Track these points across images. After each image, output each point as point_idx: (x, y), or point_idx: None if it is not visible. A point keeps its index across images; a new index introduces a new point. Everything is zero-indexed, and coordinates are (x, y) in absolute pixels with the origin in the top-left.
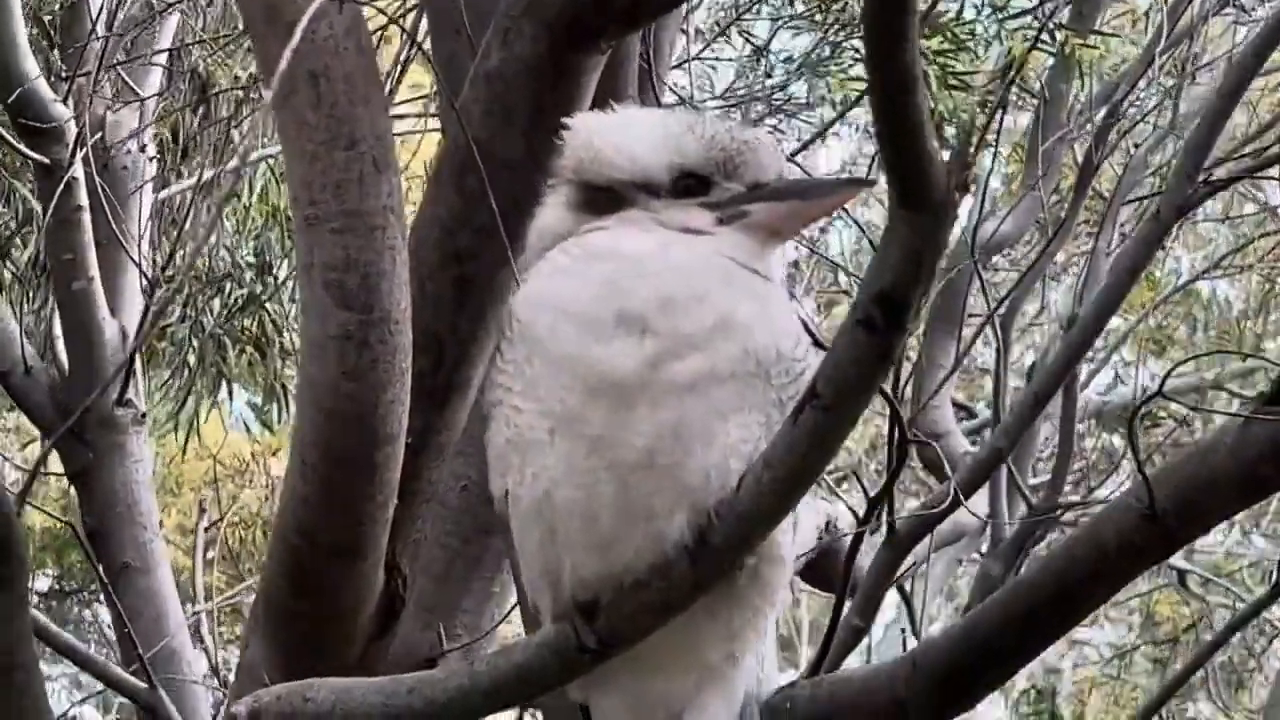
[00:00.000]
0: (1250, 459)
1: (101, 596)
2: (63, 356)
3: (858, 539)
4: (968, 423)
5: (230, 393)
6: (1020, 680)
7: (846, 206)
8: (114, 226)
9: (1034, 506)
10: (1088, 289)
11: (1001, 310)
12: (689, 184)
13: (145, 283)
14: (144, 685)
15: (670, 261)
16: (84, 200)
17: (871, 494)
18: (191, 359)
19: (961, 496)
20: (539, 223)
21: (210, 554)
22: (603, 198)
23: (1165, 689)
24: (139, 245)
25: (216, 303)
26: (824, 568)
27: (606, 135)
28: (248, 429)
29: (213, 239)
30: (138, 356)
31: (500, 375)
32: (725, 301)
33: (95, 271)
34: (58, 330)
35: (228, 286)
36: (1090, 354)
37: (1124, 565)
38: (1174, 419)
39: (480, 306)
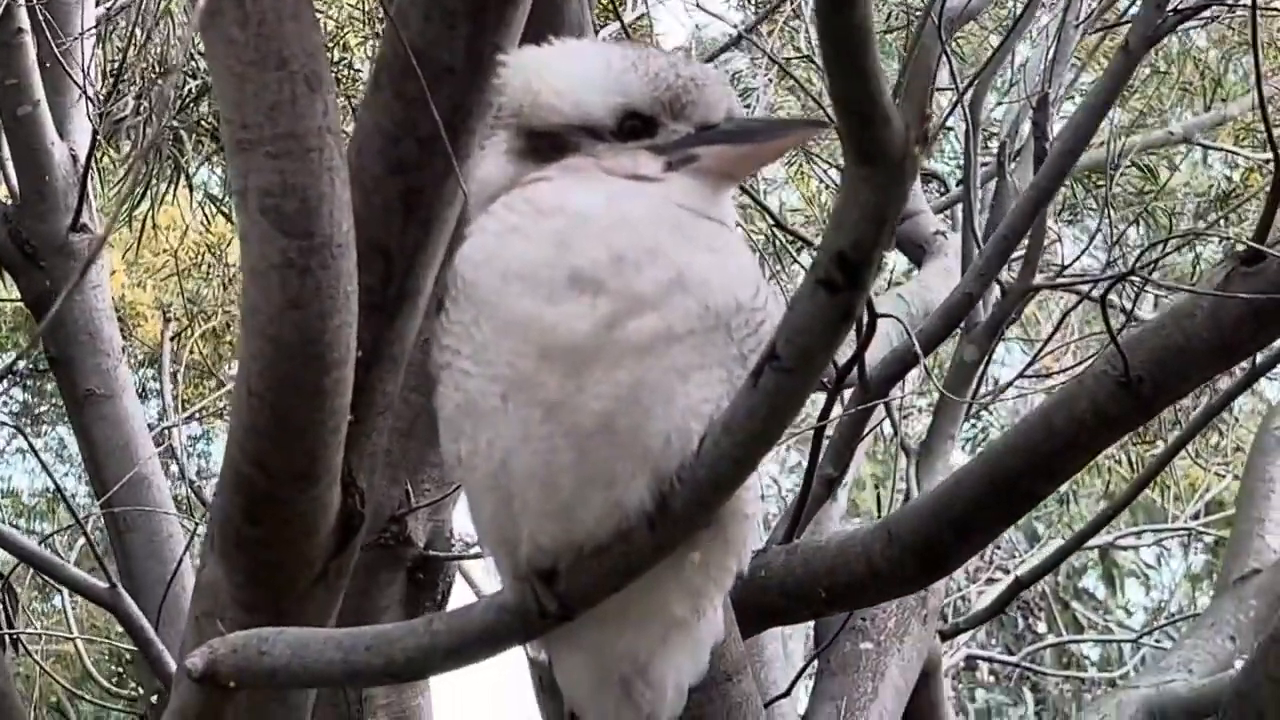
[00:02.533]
0: (1228, 323)
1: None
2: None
3: (827, 409)
4: (938, 200)
5: (190, 184)
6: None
7: None
8: (56, 51)
9: (1007, 288)
10: (1058, 58)
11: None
12: (634, 125)
13: (91, 109)
14: (104, 584)
15: (621, 215)
16: (25, 23)
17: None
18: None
19: (923, 356)
20: (479, 173)
21: (184, 342)
22: (545, 143)
23: (1166, 453)
24: (84, 66)
25: (171, 93)
26: None
27: (546, 77)
28: (207, 221)
29: (167, 30)
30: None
31: (447, 337)
32: (681, 255)
33: (41, 95)
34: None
35: (181, 78)
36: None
37: (1101, 434)
38: (1145, 172)
39: (428, 217)
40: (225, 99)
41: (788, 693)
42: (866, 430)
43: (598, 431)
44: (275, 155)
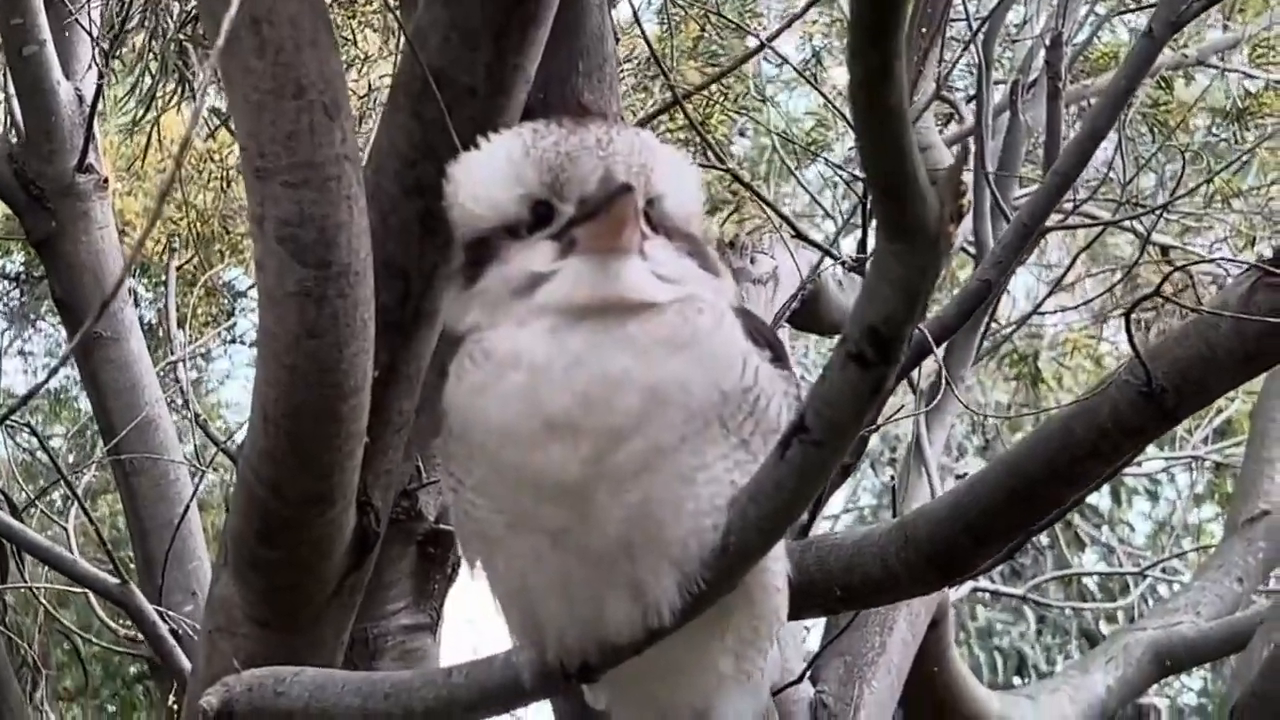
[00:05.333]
0: (1251, 334)
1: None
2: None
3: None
4: (949, 132)
5: (194, 96)
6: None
7: None
8: None
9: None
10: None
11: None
12: (541, 213)
13: (97, 51)
14: (115, 580)
15: (576, 352)
16: None
17: None
18: (154, 65)
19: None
20: (446, 317)
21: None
22: (480, 253)
23: None
24: (89, 6)
25: (176, 6)
26: (812, 311)
27: (465, 183)
28: (213, 135)
29: None
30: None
31: (450, 463)
32: (647, 373)
33: (47, 35)
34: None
35: None
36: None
37: (1122, 443)
38: (1161, 84)
39: (446, 239)
40: (242, 127)
41: (800, 679)
42: (883, 420)
43: (616, 551)
44: (293, 184)
